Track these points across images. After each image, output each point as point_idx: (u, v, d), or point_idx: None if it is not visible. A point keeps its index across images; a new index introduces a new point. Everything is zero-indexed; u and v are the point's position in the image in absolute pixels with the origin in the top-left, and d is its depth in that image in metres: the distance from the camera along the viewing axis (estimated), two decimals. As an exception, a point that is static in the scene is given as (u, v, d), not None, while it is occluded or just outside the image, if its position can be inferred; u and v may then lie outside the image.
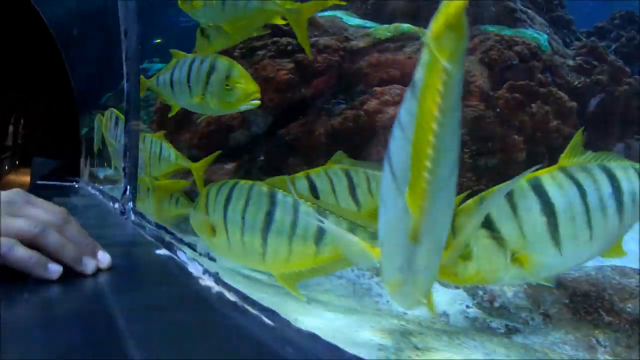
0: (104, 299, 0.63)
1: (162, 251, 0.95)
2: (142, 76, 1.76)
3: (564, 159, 1.19)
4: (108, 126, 2.19)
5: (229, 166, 2.29)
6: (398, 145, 0.70)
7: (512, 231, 1.12)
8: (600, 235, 1.14)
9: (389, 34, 2.87)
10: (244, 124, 2.37)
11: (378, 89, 2.44)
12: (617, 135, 3.57)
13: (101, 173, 3.46)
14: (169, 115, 1.85)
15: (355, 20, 3.11)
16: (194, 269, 0.81)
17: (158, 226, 1.19)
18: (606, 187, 1.15)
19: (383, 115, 2.22)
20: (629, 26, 5.48)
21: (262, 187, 1.32)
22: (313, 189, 1.68)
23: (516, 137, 2.61)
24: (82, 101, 3.01)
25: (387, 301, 1.81)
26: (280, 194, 1.30)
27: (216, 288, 0.69)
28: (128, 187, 1.60)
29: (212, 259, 0.85)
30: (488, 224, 1.15)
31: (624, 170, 1.18)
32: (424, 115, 0.65)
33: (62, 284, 0.67)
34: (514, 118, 2.70)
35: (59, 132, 2.87)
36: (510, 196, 1.15)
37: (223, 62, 1.66)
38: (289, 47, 2.42)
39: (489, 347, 1.27)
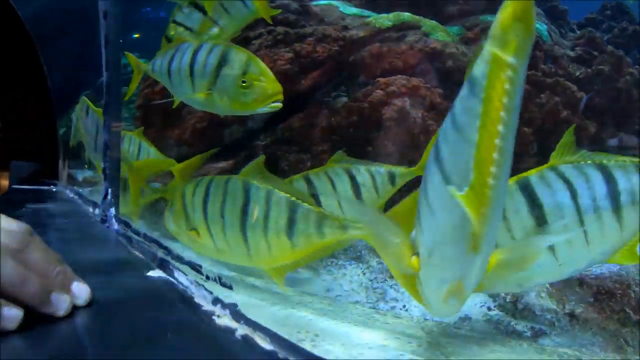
0: (82, 353, 0.45)
1: (157, 273, 0.76)
2: (134, 58, 1.54)
3: (554, 158, 1.11)
4: (80, 116, 1.99)
5: (224, 164, 2.10)
6: (454, 147, 0.64)
7: (501, 233, 1.05)
8: (597, 239, 1.05)
9: (390, 23, 2.69)
10: (240, 118, 2.17)
11: (382, 79, 2.27)
12: (613, 128, 3.47)
13: (80, 175, 3.22)
14: (173, 106, 1.60)
15: (352, 9, 2.93)
16: (202, 298, 0.63)
17: (147, 238, 1.00)
18: (601, 187, 1.05)
19: (390, 108, 2.04)
20: (620, 17, 5.41)
21: (237, 181, 1.32)
22: (312, 189, 1.60)
23: (525, 129, 2.46)
24: (59, 100, 2.80)
25: (404, 306, 1.69)
26: (253, 187, 1.31)
27: (239, 330, 0.51)
28: (109, 190, 1.39)
29: (226, 285, 0.66)
30: None
31: (621, 168, 1.07)
32: (489, 117, 0.61)
33: (22, 335, 0.48)
34: (523, 109, 2.54)
35: (35, 133, 2.67)
36: None
37: (239, 54, 1.41)
38: (287, 37, 2.23)
39: (523, 353, 1.21)
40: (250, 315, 0.55)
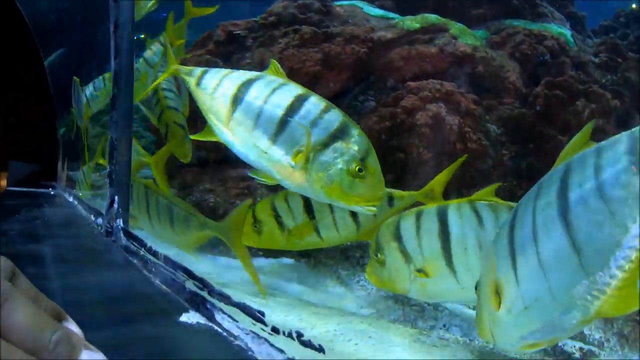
0: None
1: (192, 317, 0.57)
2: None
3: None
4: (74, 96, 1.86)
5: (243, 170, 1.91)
6: (598, 223, 0.56)
7: (415, 248, 1.23)
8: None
9: (417, 25, 2.51)
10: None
11: (412, 83, 2.08)
12: None
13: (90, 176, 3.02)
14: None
15: (376, 11, 2.74)
16: (268, 358, 0.44)
17: (169, 262, 0.79)
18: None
19: (424, 113, 1.85)
20: (634, 25, 5.24)
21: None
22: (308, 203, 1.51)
23: (560, 137, 2.27)
24: (59, 99, 2.62)
25: (444, 325, 1.53)
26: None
27: None
28: (115, 198, 1.18)
29: (312, 345, 0.46)
30: (399, 238, 1.26)
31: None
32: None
33: None
34: (557, 117, 2.35)
35: (35, 134, 2.50)
36: (419, 216, 1.25)
37: (356, 135, 1.06)
38: (315, 36, 2.04)
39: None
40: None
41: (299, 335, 0.46)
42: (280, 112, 1.08)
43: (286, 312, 1.29)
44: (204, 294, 0.63)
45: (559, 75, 2.60)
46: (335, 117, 1.08)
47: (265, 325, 0.49)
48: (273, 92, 1.11)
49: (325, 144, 1.05)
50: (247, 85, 1.15)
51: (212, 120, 1.19)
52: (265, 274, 1.71)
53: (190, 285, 0.67)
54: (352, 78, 2.07)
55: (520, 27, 2.94)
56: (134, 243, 1.00)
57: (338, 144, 1.05)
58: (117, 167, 1.22)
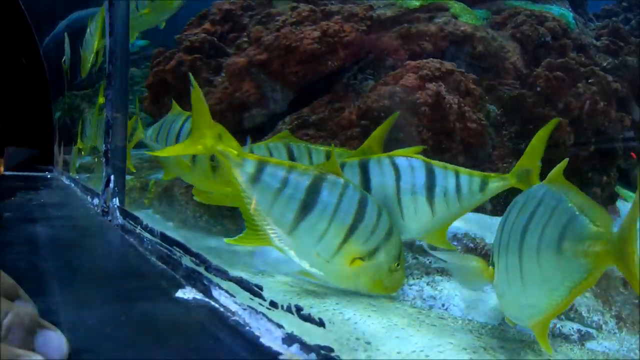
0: None
1: (188, 293, 0.54)
2: None
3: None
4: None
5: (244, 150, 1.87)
6: None
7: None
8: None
9: (417, 3, 2.45)
10: (261, 101, 1.94)
11: (412, 62, 2.03)
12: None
13: (77, 161, 2.96)
14: None
15: (376, -11, 2.68)
16: (265, 334, 0.41)
17: (167, 239, 0.76)
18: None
19: (424, 92, 1.82)
20: (636, 9, 5.20)
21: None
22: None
23: (561, 119, 2.24)
24: (54, 82, 2.57)
25: (443, 304, 1.55)
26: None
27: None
28: (112, 177, 1.16)
29: (313, 320, 0.43)
30: None
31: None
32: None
33: None
34: (557, 98, 2.32)
35: (30, 118, 2.45)
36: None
37: (394, 234, 1.28)
38: (312, 14, 1.99)
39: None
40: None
41: (298, 309, 0.43)
42: (349, 222, 1.13)
43: (284, 293, 1.27)
44: (201, 269, 0.60)
45: (560, 57, 2.56)
46: (385, 221, 1.21)
47: (264, 299, 0.47)
48: (341, 198, 1.13)
49: (378, 248, 1.18)
50: (315, 187, 1.12)
51: (267, 223, 1.10)
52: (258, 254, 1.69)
53: (187, 261, 0.65)
54: (350, 56, 2.02)
55: (522, 7, 2.90)
56: (130, 221, 0.98)
57: (387, 247, 1.19)
58: (113, 147, 1.19)
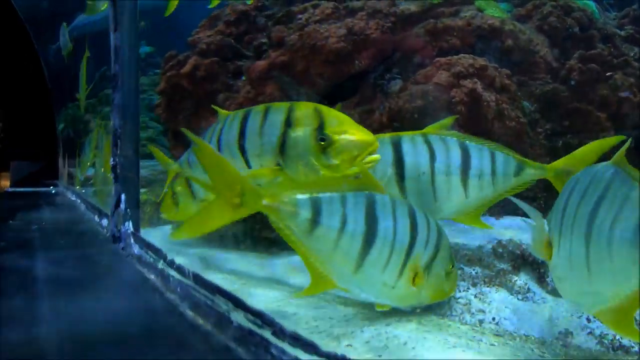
0: None
1: None
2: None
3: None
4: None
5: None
6: None
7: None
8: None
9: (441, -3, 2.35)
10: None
11: (442, 59, 1.93)
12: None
13: (82, 174, 2.82)
14: None
15: (395, -16, 2.58)
16: None
17: (198, 280, 0.63)
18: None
19: (459, 90, 1.71)
20: (650, -3, 5.07)
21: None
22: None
23: (599, 114, 2.13)
24: (57, 94, 2.48)
25: (493, 318, 1.45)
26: None
27: None
28: (122, 196, 1.03)
29: None
30: None
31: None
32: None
33: None
34: (593, 92, 2.21)
35: (34, 131, 2.38)
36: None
37: (444, 237, 1.25)
38: (336, 11, 1.89)
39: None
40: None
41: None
42: (407, 241, 1.06)
43: (329, 318, 1.17)
44: (266, 333, 0.47)
45: (588, 49, 2.45)
46: (433, 227, 1.15)
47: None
48: (395, 219, 1.05)
49: (434, 258, 1.13)
50: (372, 215, 1.02)
51: (331, 267, 1.01)
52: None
53: (238, 317, 0.51)
54: (377, 55, 1.92)
55: (544, -3, 2.79)
56: (149, 252, 0.84)
57: (441, 253, 1.14)
58: (123, 160, 1.06)
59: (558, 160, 1.42)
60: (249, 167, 1.10)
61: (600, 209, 0.89)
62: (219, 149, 1.13)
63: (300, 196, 0.95)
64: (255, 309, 0.51)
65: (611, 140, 1.30)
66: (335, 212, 0.98)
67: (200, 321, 0.55)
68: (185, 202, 1.48)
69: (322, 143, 1.00)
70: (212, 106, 1.22)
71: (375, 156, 1.02)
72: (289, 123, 1.05)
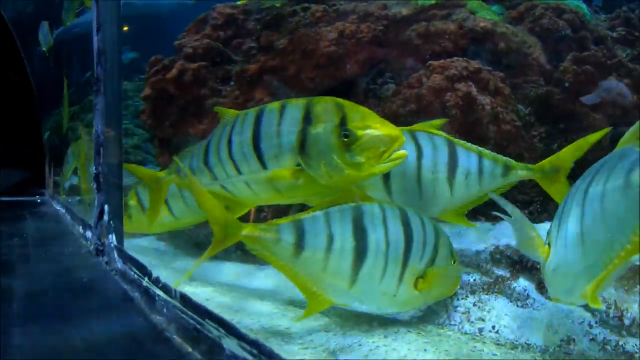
0: None
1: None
2: None
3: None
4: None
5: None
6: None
7: None
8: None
9: (433, 0, 2.32)
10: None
11: (435, 63, 1.90)
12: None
13: (66, 182, 2.74)
14: None
15: (385, -13, 2.55)
16: None
17: (187, 301, 0.60)
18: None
19: (453, 94, 1.68)
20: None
21: None
22: None
23: (595, 115, 2.11)
24: (42, 101, 2.42)
25: (493, 327, 1.43)
26: None
27: None
28: (105, 207, 0.96)
29: None
30: None
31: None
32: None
33: None
34: (588, 94, 2.19)
35: (20, 139, 2.32)
36: None
37: (444, 235, 1.25)
38: (326, 14, 1.85)
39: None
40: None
41: None
42: (402, 247, 1.03)
43: (325, 330, 1.12)
44: (246, 355, 0.42)
45: (581, 51, 2.44)
46: (430, 227, 1.12)
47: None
48: (386, 226, 1.01)
49: (434, 258, 1.11)
50: (360, 227, 0.99)
51: (324, 286, 0.99)
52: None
53: (231, 345, 0.46)
54: (369, 59, 1.88)
55: (537, 0, 2.78)
56: (134, 269, 0.79)
57: (441, 251, 1.12)
58: (105, 168, 0.99)
59: (544, 161, 1.40)
60: (266, 169, 1.03)
61: (596, 176, 0.89)
62: (230, 152, 1.05)
63: (282, 223, 0.95)
64: (248, 336, 0.46)
65: (595, 136, 1.29)
66: (320, 231, 0.95)
67: (187, 348, 0.50)
68: (137, 215, 1.55)
69: (346, 139, 0.95)
70: (215, 108, 1.15)
71: (403, 152, 0.96)
72: (308, 119, 0.99)
